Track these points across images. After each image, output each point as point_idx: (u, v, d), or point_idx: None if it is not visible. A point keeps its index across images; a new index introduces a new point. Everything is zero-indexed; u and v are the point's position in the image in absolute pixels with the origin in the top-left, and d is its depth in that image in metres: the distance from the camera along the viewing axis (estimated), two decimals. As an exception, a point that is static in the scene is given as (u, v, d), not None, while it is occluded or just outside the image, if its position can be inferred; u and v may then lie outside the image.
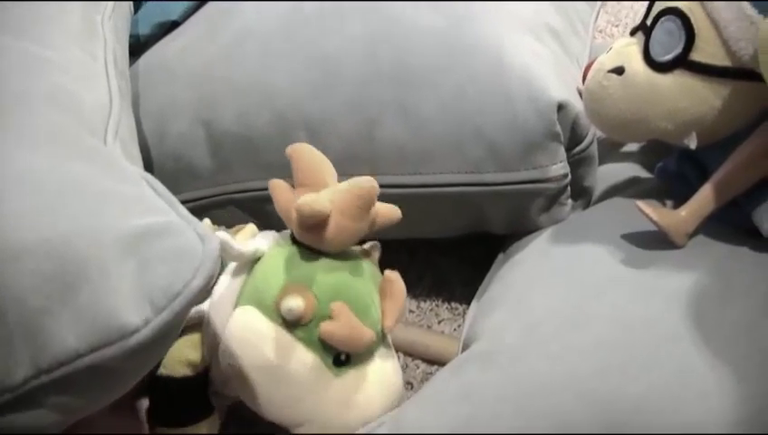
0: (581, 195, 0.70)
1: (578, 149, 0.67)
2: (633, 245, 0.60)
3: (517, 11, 0.74)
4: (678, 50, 0.58)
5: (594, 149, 0.69)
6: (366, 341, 0.55)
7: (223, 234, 0.56)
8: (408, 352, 0.75)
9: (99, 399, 0.47)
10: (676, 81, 0.58)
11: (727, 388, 0.48)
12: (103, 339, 0.42)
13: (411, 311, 0.81)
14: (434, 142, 0.67)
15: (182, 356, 0.58)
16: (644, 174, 0.72)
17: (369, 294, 0.57)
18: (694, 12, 0.57)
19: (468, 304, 0.74)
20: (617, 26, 1.28)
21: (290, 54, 0.76)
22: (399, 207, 0.71)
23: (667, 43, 0.58)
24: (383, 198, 0.68)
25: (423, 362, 0.75)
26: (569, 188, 0.68)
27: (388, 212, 0.59)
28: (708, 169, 0.61)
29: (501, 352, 0.55)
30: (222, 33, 0.84)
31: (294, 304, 0.54)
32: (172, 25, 0.94)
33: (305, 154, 0.60)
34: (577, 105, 0.66)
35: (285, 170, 0.74)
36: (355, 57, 0.72)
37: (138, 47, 0.91)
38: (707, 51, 0.57)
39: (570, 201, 0.69)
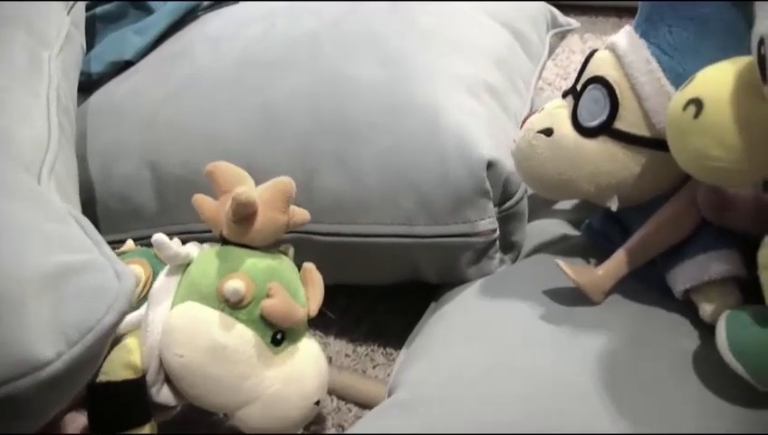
0: (510, 249, 0.73)
1: (507, 205, 0.70)
2: (554, 301, 0.62)
3: (458, 68, 0.77)
4: (603, 117, 0.61)
5: (524, 205, 0.72)
6: (300, 316, 0.62)
7: (160, 235, 0.61)
8: (341, 396, 0.77)
9: (18, 429, 0.48)
10: (600, 146, 0.61)
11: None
12: (16, 371, 0.44)
13: (347, 355, 0.82)
14: (369, 194, 0.70)
15: (122, 360, 0.60)
16: (572, 231, 0.74)
17: (296, 280, 0.64)
18: (619, 83, 0.60)
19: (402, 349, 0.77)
20: (565, 79, 1.32)
21: (236, 102, 0.78)
22: (336, 254, 0.73)
23: (594, 109, 0.61)
24: (320, 245, 0.70)
25: (356, 405, 0.76)
26: (497, 242, 0.70)
27: (301, 212, 0.65)
28: (630, 229, 0.63)
29: (420, 403, 0.56)
30: (171, 77, 0.86)
31: (237, 284, 0.59)
32: (125, 65, 0.95)
33: (224, 166, 0.65)
34: (507, 163, 0.69)
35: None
36: (299, 108, 0.75)
37: (89, 84, 0.92)
38: (630, 120, 0.60)
39: (498, 255, 0.71)
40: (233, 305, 0.60)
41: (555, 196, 0.70)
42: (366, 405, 0.75)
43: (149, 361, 0.61)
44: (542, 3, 1.05)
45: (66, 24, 0.85)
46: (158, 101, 0.83)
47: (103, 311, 0.47)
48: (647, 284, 0.63)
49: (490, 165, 0.67)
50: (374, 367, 0.80)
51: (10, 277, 0.46)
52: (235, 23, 0.93)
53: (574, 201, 0.78)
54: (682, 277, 0.59)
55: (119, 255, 0.62)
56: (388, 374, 0.78)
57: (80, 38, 0.90)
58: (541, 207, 0.76)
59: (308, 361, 0.63)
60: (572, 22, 1.09)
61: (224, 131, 0.77)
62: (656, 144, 0.60)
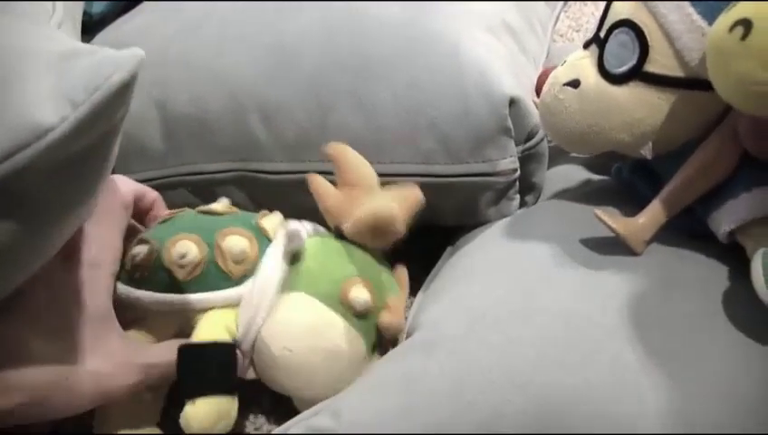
0: (530, 191, 0.71)
1: (529, 144, 0.68)
2: (579, 242, 0.61)
3: (476, 7, 0.74)
4: (633, 62, 0.58)
5: (545, 146, 0.70)
6: (404, 326, 0.61)
7: (294, 228, 0.60)
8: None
9: (29, 222, 0.44)
10: (632, 92, 0.59)
11: (658, 383, 0.49)
12: (20, 140, 0.40)
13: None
14: (387, 132, 0.67)
15: (221, 323, 0.57)
16: (593, 175, 0.72)
17: (397, 287, 0.64)
18: (647, 24, 0.57)
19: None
20: (578, 31, 1.29)
21: (246, 39, 0.76)
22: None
23: (622, 55, 0.59)
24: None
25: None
26: (518, 183, 0.69)
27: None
28: (661, 178, 0.61)
29: (442, 342, 0.55)
30: (179, 16, 0.83)
31: (367, 296, 0.58)
32: (128, 5, 0.92)
33: (349, 155, 0.63)
34: (528, 102, 0.67)
35: (239, 153, 0.74)
36: (312, 45, 0.72)
37: (90, 25, 0.89)
38: (661, 62, 0.57)
39: (518, 196, 0.69)
40: (355, 314, 0.58)
41: (586, 150, 0.67)
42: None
43: (245, 336, 0.58)
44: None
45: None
46: (165, 39, 0.80)
47: (111, 70, 0.42)
48: (681, 231, 0.61)
49: (512, 102, 0.65)
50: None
51: (10, 53, 0.43)
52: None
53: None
54: (727, 218, 0.56)
55: (213, 214, 0.63)
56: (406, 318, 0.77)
57: None
58: (561, 151, 0.74)
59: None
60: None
61: (233, 69, 0.74)
62: (692, 84, 0.57)
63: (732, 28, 0.47)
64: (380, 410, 0.53)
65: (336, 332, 0.57)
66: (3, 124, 0.40)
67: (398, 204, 0.61)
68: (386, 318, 0.59)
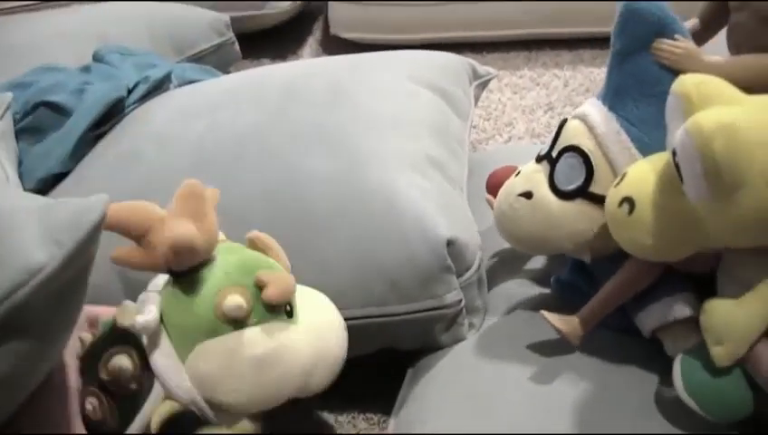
0: (476, 313, 0.78)
1: (468, 275, 0.76)
2: (530, 356, 0.70)
3: (401, 146, 0.82)
4: (579, 182, 0.68)
5: (482, 272, 0.78)
6: (294, 283, 0.63)
7: (132, 314, 0.62)
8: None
9: (28, 347, 0.51)
10: (577, 207, 0.68)
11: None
12: (17, 280, 0.48)
13: (331, 424, 0.86)
14: (340, 281, 0.74)
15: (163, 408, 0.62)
16: (533, 289, 0.80)
17: (258, 255, 0.65)
18: (593, 152, 0.67)
19: (381, 413, 0.84)
20: (488, 120, 1.39)
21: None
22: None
23: (570, 175, 0.68)
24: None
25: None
26: (464, 310, 0.76)
27: (212, 193, 0.66)
28: (598, 277, 0.70)
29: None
30: (127, 181, 0.87)
31: (236, 299, 0.60)
32: (62, 175, 0.96)
33: (122, 209, 0.62)
34: (463, 238, 0.75)
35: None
36: (258, 206, 0.78)
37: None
38: (603, 184, 0.66)
39: (466, 321, 0.77)
40: (242, 320, 0.60)
41: (534, 252, 0.78)
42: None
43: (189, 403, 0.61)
44: (461, 57, 1.11)
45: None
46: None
47: (85, 213, 0.52)
48: (611, 328, 0.71)
49: (449, 243, 0.73)
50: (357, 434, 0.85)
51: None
52: (175, 118, 0.95)
53: (531, 261, 0.84)
54: (650, 319, 0.66)
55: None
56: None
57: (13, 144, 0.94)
58: (496, 273, 0.83)
59: (310, 303, 0.65)
60: (491, 70, 1.15)
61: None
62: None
63: (620, 204, 0.59)
64: None
65: (242, 348, 0.60)
66: (2, 269, 0.49)
67: (173, 210, 0.62)
68: (268, 294, 0.60)
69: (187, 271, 0.62)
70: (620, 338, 0.70)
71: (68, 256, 0.50)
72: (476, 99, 1.11)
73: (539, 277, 0.81)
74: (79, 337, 0.66)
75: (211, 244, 0.62)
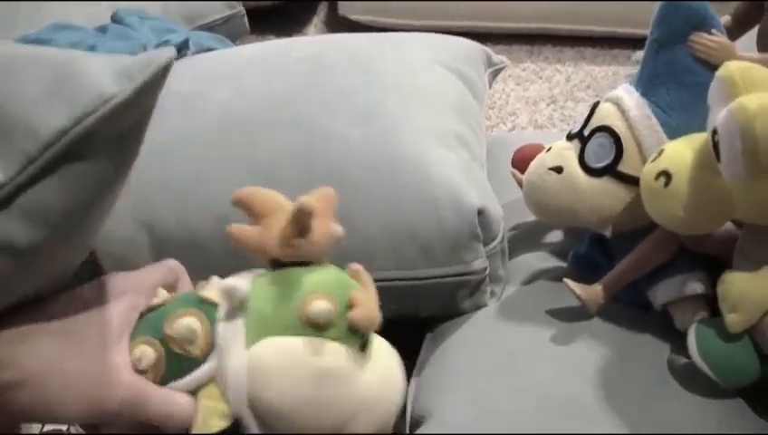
0: (497, 282, 0.82)
1: (493, 244, 0.79)
2: (551, 321, 0.74)
3: (428, 120, 0.85)
4: (608, 161, 0.72)
5: (506, 243, 0.81)
6: (379, 317, 0.59)
7: (227, 283, 0.59)
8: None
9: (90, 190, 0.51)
10: (604, 184, 0.72)
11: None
12: (89, 106, 0.48)
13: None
14: (372, 244, 0.77)
15: (214, 410, 0.59)
16: (552, 262, 0.84)
17: (356, 284, 0.62)
18: (623, 133, 0.71)
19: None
20: (492, 108, 1.42)
21: (224, 162, 0.83)
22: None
23: (600, 153, 0.72)
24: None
25: None
26: (488, 278, 0.79)
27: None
28: (615, 254, 0.75)
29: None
30: (150, 138, 0.88)
31: (324, 305, 0.57)
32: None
33: (256, 190, 0.62)
34: (491, 209, 0.78)
35: (230, 271, 0.80)
36: (290, 164, 0.80)
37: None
38: (631, 164, 0.71)
39: (489, 288, 0.80)
40: (321, 327, 0.58)
41: (559, 224, 0.83)
42: None
43: (237, 408, 0.59)
44: (476, 43, 1.14)
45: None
46: (140, 162, 0.85)
47: (155, 56, 0.51)
48: (626, 301, 0.75)
49: (480, 212, 0.76)
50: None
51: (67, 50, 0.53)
52: (200, 81, 0.96)
53: (548, 235, 0.89)
54: (662, 294, 0.71)
55: (156, 309, 0.62)
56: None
57: None
58: (519, 245, 0.87)
59: (386, 351, 0.62)
60: (504, 59, 1.18)
61: (216, 192, 0.81)
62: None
63: (657, 177, 0.63)
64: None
65: (308, 354, 0.57)
66: (74, 93, 0.49)
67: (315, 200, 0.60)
68: (355, 314, 0.58)
69: (289, 264, 0.61)
70: (631, 310, 0.75)
71: (137, 90, 0.49)
72: (489, 86, 1.14)
73: (556, 251, 0.85)
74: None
75: (321, 243, 0.61)
